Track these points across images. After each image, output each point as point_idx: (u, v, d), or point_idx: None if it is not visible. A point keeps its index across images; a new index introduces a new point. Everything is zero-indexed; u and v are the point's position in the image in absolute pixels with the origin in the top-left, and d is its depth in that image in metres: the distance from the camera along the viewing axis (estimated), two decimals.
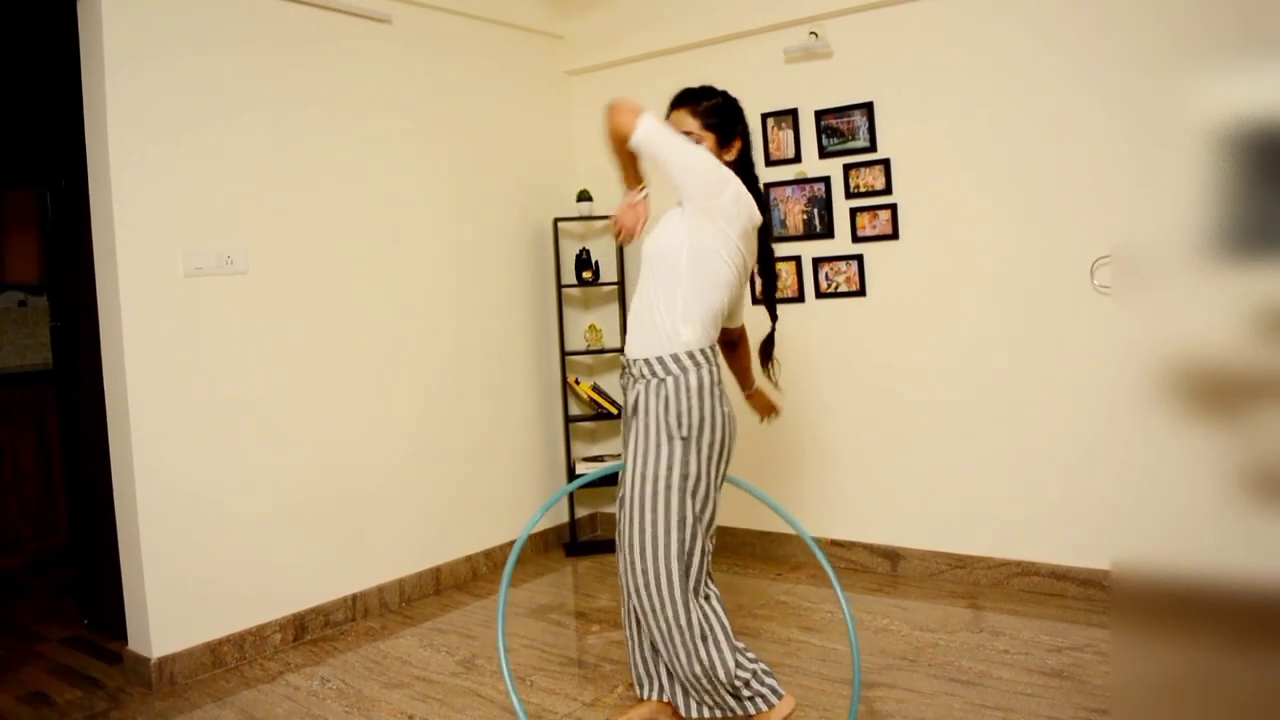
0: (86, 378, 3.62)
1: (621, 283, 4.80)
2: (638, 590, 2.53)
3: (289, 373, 3.72)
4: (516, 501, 4.69)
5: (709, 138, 2.63)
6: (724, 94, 2.70)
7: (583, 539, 4.97)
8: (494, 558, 4.54)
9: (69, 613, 4.20)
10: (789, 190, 4.28)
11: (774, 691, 2.57)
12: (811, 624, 3.60)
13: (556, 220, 4.76)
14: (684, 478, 2.48)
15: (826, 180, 4.18)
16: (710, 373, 2.52)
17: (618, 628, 3.74)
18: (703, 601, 2.56)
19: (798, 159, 4.26)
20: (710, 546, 2.64)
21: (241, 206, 3.57)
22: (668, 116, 2.67)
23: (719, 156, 2.61)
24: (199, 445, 3.44)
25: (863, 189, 4.09)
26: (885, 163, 4.03)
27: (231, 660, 3.51)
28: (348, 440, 3.92)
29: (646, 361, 2.53)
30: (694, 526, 2.51)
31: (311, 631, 3.76)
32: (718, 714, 2.59)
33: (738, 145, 2.68)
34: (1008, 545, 3.88)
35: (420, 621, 3.90)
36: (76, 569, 4.07)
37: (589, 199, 4.78)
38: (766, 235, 2.74)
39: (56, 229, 3.96)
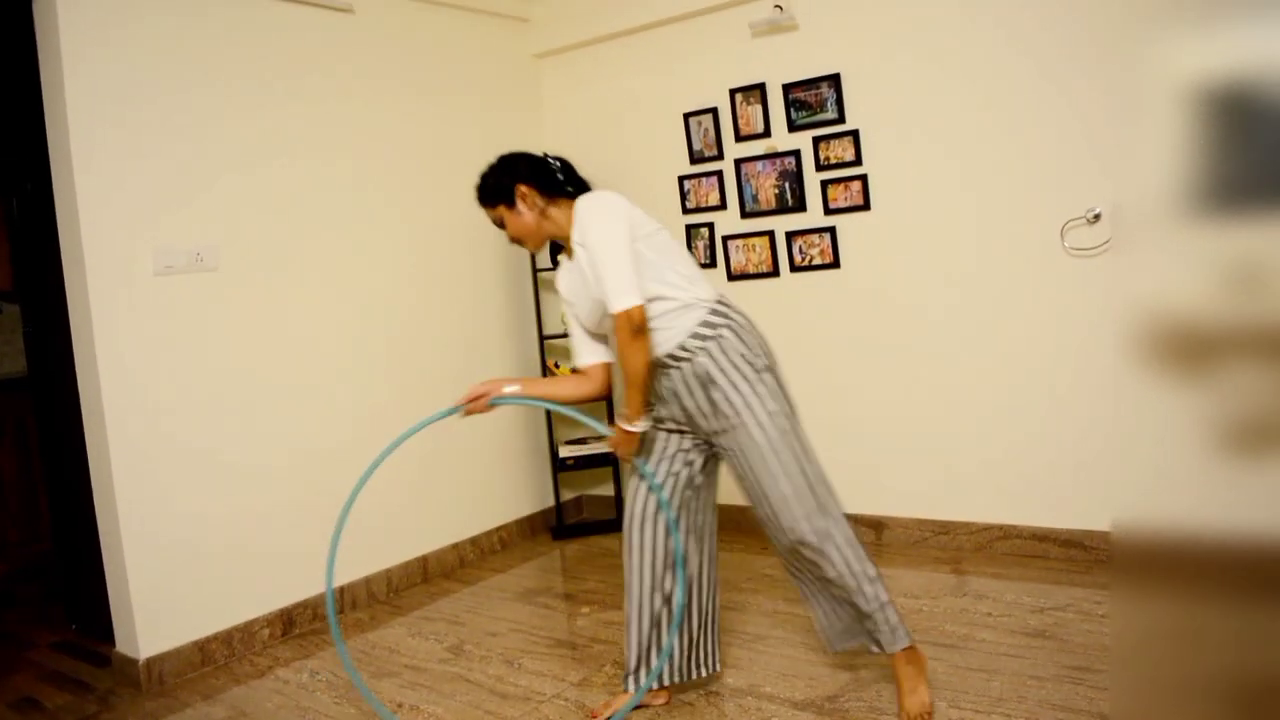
0: (62, 382, 3.61)
1: None
2: (804, 542, 2.56)
3: (265, 367, 3.71)
4: (501, 487, 4.70)
5: (503, 212, 2.69)
6: (488, 170, 2.74)
7: (569, 522, 4.99)
8: (480, 544, 4.55)
9: (57, 618, 4.19)
10: (759, 165, 4.28)
11: (906, 633, 2.62)
12: (796, 596, 3.61)
13: None
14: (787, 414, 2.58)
15: (797, 154, 4.18)
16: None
17: (606, 608, 3.76)
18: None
19: (767, 133, 4.25)
20: None
21: (209, 203, 3.55)
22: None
23: (523, 215, 2.66)
24: (177, 444, 3.43)
25: (833, 161, 4.09)
26: (854, 134, 4.02)
27: (220, 657, 3.51)
28: (327, 432, 3.91)
29: (693, 335, 2.55)
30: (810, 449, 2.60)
31: (299, 625, 3.77)
32: (860, 639, 2.67)
33: (523, 190, 2.66)
34: (990, 510, 3.91)
35: (408, 611, 3.91)
36: (62, 574, 4.07)
37: None
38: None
39: (25, 233, 3.93)
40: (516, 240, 2.72)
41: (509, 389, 2.68)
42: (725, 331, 2.54)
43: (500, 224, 2.72)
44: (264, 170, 3.73)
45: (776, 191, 4.25)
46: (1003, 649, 2.99)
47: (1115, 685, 2.57)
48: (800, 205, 4.20)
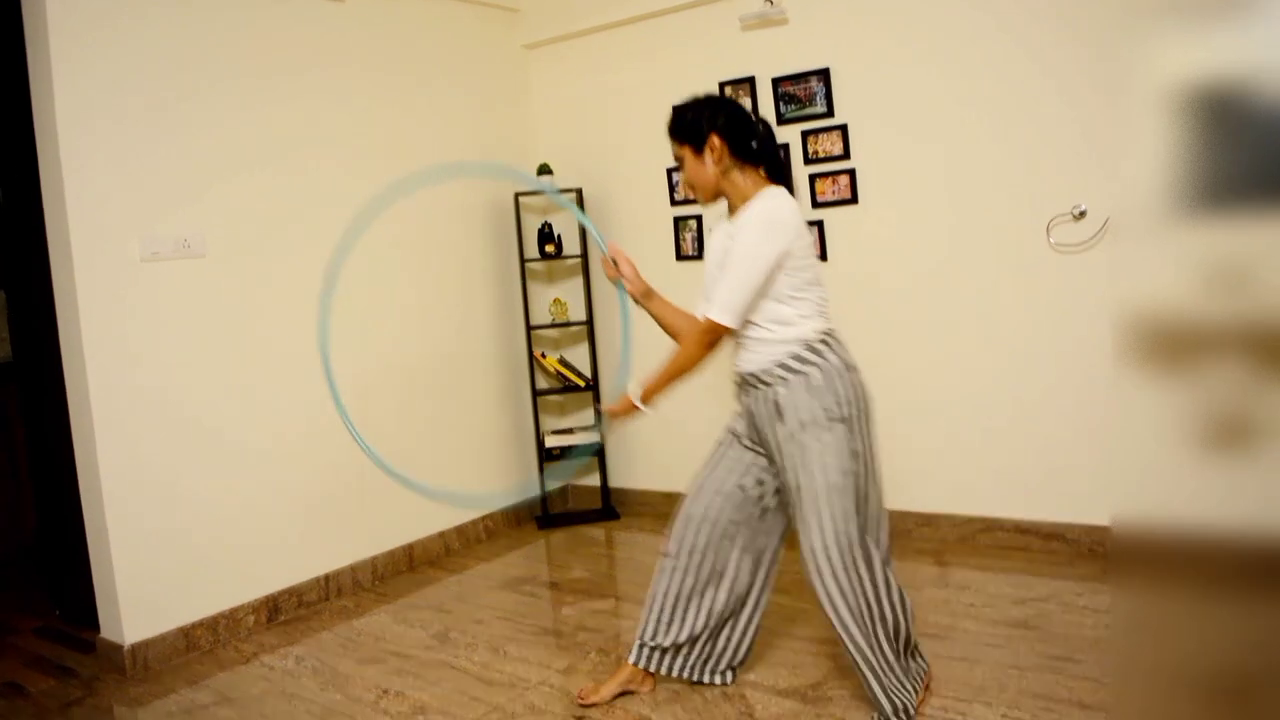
0: (47, 368, 3.59)
1: (585, 255, 4.80)
2: (839, 593, 2.46)
3: (252, 354, 3.70)
4: (487, 477, 4.71)
5: (687, 153, 2.56)
6: (689, 103, 2.60)
7: (554, 511, 5.00)
8: (466, 533, 4.56)
9: (41, 604, 4.18)
10: None
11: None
12: (780, 585, 3.63)
13: (517, 195, 4.75)
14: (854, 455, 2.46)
15: (785, 147, 4.19)
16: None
17: (592, 597, 3.78)
18: (890, 573, 2.56)
19: None
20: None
21: (197, 190, 3.54)
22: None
23: (705, 166, 2.54)
24: (163, 430, 3.42)
25: (821, 155, 4.11)
26: (843, 128, 4.04)
27: (205, 644, 3.52)
28: (314, 420, 3.90)
29: (780, 364, 2.50)
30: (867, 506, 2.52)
31: (285, 612, 3.77)
32: (898, 700, 2.52)
33: (715, 143, 2.51)
34: (973, 502, 3.94)
35: (394, 598, 3.92)
36: (47, 559, 4.05)
37: (549, 172, 4.76)
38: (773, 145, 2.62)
39: (11, 219, 3.91)
40: (689, 186, 2.61)
41: (632, 289, 2.66)
42: (812, 370, 2.45)
43: (679, 162, 2.60)
44: (251, 157, 3.72)
45: None
46: (984, 639, 3.02)
47: (1114, 679, 2.60)
48: None
